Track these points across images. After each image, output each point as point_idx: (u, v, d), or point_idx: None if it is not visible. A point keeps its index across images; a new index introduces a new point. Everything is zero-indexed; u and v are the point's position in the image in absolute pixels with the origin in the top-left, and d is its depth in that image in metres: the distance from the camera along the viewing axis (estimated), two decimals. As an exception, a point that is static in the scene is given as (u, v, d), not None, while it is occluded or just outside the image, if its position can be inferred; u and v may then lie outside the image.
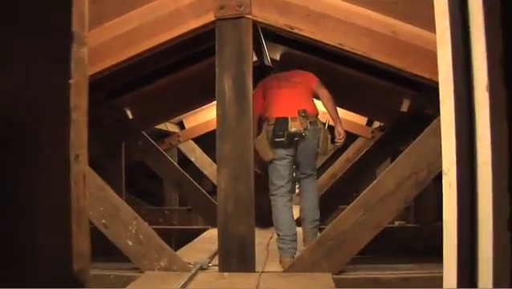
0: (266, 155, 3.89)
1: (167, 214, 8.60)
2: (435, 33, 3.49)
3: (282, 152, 3.90)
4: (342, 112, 8.81)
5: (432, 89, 5.14)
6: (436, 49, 3.37)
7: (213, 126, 8.76)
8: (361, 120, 8.98)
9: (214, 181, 9.09)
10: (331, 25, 3.40)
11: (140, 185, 11.13)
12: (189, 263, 3.70)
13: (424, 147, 3.47)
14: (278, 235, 3.91)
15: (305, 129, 3.88)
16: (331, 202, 6.14)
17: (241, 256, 3.48)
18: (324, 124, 4.08)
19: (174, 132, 9.20)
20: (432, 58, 3.49)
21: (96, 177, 3.67)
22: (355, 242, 3.45)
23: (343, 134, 4.13)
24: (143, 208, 9.12)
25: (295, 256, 3.76)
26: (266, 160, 3.93)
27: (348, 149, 9.43)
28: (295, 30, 3.44)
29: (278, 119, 3.89)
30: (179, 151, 9.37)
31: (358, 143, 9.36)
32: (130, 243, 3.60)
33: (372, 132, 8.90)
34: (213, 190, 11.14)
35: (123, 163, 6.63)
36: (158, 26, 3.55)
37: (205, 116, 9.10)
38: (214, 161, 9.54)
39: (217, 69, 3.49)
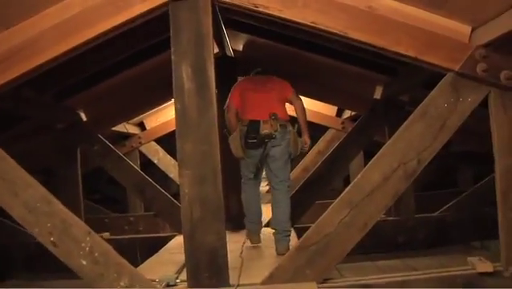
0: (237, 152, 4.26)
1: (132, 221, 8.09)
2: (417, 7, 3.14)
3: (252, 151, 4.26)
4: (310, 103, 8.48)
5: (407, 74, 4.80)
6: (421, 25, 3.00)
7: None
8: (330, 110, 8.64)
9: (180, 183, 8.62)
10: (302, 1, 2.99)
11: (103, 191, 10.59)
12: (154, 280, 3.26)
13: (411, 134, 3.11)
14: (245, 217, 4.60)
15: (275, 131, 4.16)
16: (305, 198, 5.79)
17: (212, 270, 3.02)
18: (294, 127, 4.33)
19: (134, 134, 8.70)
20: (416, 34, 3.15)
21: (40, 189, 3.18)
22: (340, 246, 3.04)
23: (308, 143, 4.43)
24: (106, 216, 8.62)
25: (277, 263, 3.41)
26: (238, 157, 4.32)
27: (319, 142, 9.07)
28: (260, 9, 3.01)
29: (251, 121, 4.23)
30: (141, 153, 8.86)
31: (328, 135, 9.01)
32: (84, 263, 3.12)
33: (343, 123, 8.57)
34: (179, 193, 10.65)
35: (79, 170, 6.10)
36: (101, 12, 3.06)
37: (167, 115, 8.63)
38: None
39: (173, 57, 3.03)
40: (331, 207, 3.07)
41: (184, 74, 3.01)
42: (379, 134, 6.12)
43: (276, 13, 3.01)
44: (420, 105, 3.12)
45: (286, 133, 4.24)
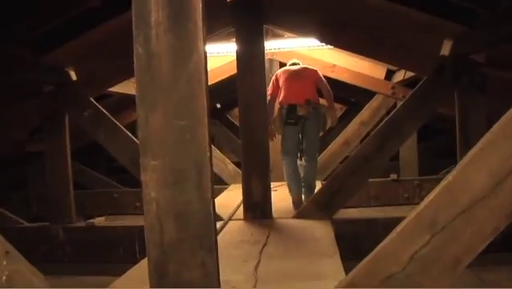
0: (279, 130, 5.19)
1: (145, 197, 6.96)
2: None
3: (291, 128, 5.09)
4: (353, 62, 7.13)
5: (490, 22, 3.36)
6: None
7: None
8: (378, 72, 7.27)
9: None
10: None
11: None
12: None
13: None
14: (288, 185, 5.22)
15: (309, 113, 5.01)
16: (347, 184, 4.51)
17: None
18: (324, 109, 5.20)
19: (148, 97, 7.49)
20: None
21: None
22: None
23: (335, 118, 5.36)
24: (116, 190, 7.60)
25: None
26: (279, 134, 5.24)
27: (363, 110, 7.67)
28: None
29: (289, 105, 5.06)
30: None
31: (374, 102, 7.60)
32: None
33: (393, 88, 7.19)
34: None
35: (67, 140, 4.99)
36: None
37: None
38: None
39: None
40: (397, 229, 1.80)
41: (150, -2, 1.75)
42: (444, 104, 4.76)
43: None
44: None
45: (318, 114, 5.10)
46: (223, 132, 10.84)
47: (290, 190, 5.19)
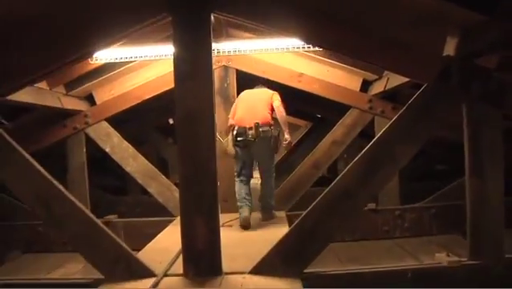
0: (231, 151, 5.46)
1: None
2: None
3: (240, 151, 5.46)
4: (322, 70, 6.10)
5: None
6: None
7: (138, 99, 5.97)
8: (353, 82, 6.20)
9: (141, 181, 6.28)
10: None
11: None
12: None
13: None
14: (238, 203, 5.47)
15: (257, 136, 5.31)
16: (324, 225, 3.35)
17: None
18: (277, 132, 5.49)
19: (79, 111, 6.28)
20: None
21: None
22: None
23: (289, 141, 5.54)
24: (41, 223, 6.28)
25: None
26: (231, 154, 5.48)
27: (335, 128, 6.46)
28: None
29: (239, 127, 5.40)
30: (88, 138, 6.38)
31: (348, 118, 6.39)
32: None
33: (370, 101, 6.14)
34: (143, 192, 8.12)
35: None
36: None
37: (125, 85, 6.25)
38: (140, 151, 6.62)
39: None
40: None
41: None
42: (448, 120, 3.64)
43: None
44: None
45: (267, 137, 5.35)
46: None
47: (240, 214, 5.39)
